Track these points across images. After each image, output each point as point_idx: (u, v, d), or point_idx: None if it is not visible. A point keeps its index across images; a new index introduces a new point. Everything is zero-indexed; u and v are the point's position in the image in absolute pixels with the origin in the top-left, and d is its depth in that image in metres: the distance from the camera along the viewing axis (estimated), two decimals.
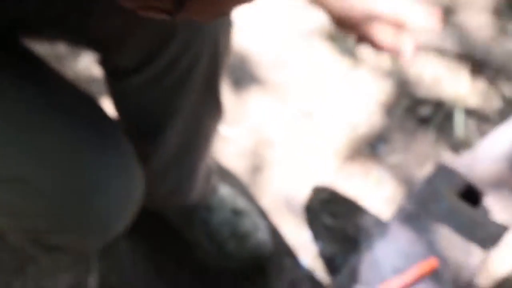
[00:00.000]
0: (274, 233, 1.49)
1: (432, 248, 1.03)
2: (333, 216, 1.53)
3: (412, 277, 1.00)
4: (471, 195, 1.10)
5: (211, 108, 1.12)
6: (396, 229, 1.05)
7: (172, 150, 1.15)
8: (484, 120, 1.66)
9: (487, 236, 1.02)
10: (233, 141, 1.64)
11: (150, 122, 1.10)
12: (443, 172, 1.11)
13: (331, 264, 1.45)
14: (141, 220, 1.43)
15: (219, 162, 1.59)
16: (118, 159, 0.82)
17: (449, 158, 1.14)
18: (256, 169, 1.59)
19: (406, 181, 1.57)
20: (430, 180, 1.10)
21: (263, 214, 1.52)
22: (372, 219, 1.46)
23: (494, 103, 1.69)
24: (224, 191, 1.43)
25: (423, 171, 1.55)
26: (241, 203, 1.44)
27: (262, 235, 1.41)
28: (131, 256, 1.44)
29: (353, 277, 1.00)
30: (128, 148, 0.87)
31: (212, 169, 1.33)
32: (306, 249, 1.47)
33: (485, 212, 1.07)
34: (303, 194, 1.55)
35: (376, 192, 1.56)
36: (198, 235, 1.37)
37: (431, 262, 1.02)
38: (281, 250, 1.47)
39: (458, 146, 1.59)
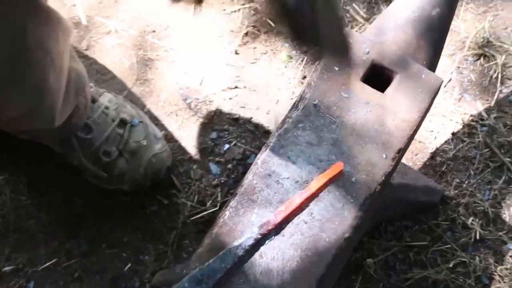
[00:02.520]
0: (174, 140, 1.39)
1: (336, 150, 0.94)
2: (241, 110, 1.43)
3: (318, 186, 0.92)
4: (375, 76, 1.00)
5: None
6: (293, 132, 0.96)
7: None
8: None
9: (395, 129, 0.93)
10: (115, 33, 1.48)
11: None
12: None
13: (243, 163, 1.37)
14: (23, 150, 1.31)
15: (99, 62, 1.45)
16: None
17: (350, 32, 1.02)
18: (145, 64, 1.46)
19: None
20: (328, 64, 0.99)
21: (158, 119, 1.41)
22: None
23: None
24: (105, 100, 1.30)
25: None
26: (129, 111, 1.32)
27: (159, 146, 1.31)
28: (16, 188, 1.35)
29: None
30: None
31: (81, 82, 1.19)
32: (213, 152, 1.38)
33: (392, 98, 0.97)
34: (205, 86, 1.43)
35: (284, 73, 1.45)
36: (82, 159, 1.26)
37: (337, 167, 0.94)
38: (185, 158, 1.38)
39: None
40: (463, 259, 1.26)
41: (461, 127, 1.39)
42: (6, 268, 1.29)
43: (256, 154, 1.32)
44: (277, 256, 0.91)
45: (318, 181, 0.93)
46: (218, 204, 1.32)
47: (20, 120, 1.09)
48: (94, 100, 1.25)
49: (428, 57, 1.05)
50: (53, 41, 0.96)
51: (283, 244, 0.91)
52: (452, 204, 1.31)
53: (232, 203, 0.94)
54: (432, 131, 1.39)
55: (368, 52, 1.01)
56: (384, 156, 0.96)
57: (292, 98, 1.41)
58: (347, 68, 1.00)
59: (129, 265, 1.29)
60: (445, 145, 1.37)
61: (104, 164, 1.25)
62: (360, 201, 0.93)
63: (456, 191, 1.33)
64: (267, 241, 0.91)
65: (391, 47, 1.03)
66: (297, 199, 0.92)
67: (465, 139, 1.38)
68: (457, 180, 1.35)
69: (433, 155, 1.37)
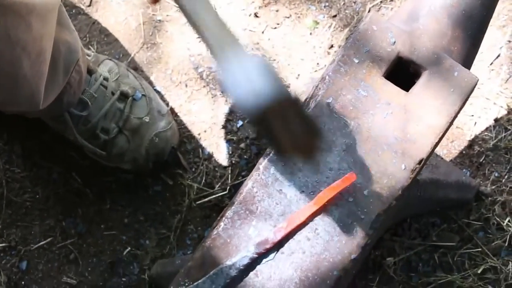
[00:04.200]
0: (182, 113, 1.34)
1: (349, 158, 0.88)
2: None
3: (326, 200, 0.87)
4: (400, 72, 0.92)
5: None
6: None
7: None
8: None
9: (418, 136, 0.86)
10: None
11: None
12: (363, 40, 0.92)
13: (257, 143, 1.32)
14: (18, 120, 1.29)
15: (102, 22, 1.39)
16: None
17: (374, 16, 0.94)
18: (153, 26, 1.39)
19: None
20: (347, 55, 0.91)
21: (165, 90, 1.35)
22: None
23: None
24: (105, 69, 1.25)
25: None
26: (131, 82, 1.27)
27: (163, 123, 1.26)
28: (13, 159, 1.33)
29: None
30: None
31: (73, 57, 1.13)
32: (225, 129, 1.33)
33: (417, 98, 0.89)
34: None
35: (309, 41, 1.38)
36: (77, 136, 1.22)
37: (348, 178, 0.88)
38: (193, 134, 1.33)
39: None
40: (493, 265, 1.21)
41: (505, 112, 1.30)
42: None
43: None
44: (274, 275, 0.87)
45: (326, 193, 0.88)
46: (228, 187, 1.29)
47: (1, 105, 1.05)
48: (91, 72, 1.20)
49: (463, 51, 0.96)
50: (22, 31, 0.92)
51: (281, 263, 0.87)
52: (487, 201, 1.25)
53: (228, 213, 0.89)
54: (472, 115, 1.31)
55: (394, 42, 0.93)
56: (403, 167, 0.89)
57: (316, 71, 1.34)
58: (368, 61, 0.93)
59: (128, 249, 1.27)
60: (486, 133, 1.30)
61: (102, 142, 1.22)
62: (371, 218, 0.88)
63: (493, 187, 1.26)
64: (264, 260, 0.87)
65: (421, 37, 0.95)
66: (300, 215, 0.87)
67: (509, 127, 1.30)
68: (496, 174, 1.28)
69: (471, 144, 1.30)
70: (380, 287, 1.22)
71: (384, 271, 1.22)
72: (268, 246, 0.86)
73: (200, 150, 1.31)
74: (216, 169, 1.30)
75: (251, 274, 0.87)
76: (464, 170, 1.28)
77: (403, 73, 0.94)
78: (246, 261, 0.86)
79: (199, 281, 0.86)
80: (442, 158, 1.24)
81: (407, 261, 1.23)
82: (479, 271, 1.21)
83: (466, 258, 1.22)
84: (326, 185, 0.89)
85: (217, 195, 1.28)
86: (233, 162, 1.30)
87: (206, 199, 1.28)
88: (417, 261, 1.23)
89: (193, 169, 1.30)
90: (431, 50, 0.93)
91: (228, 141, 1.32)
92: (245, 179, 1.27)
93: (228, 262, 0.86)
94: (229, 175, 1.29)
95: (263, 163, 0.91)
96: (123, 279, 1.26)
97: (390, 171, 0.89)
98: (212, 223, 1.26)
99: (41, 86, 1.02)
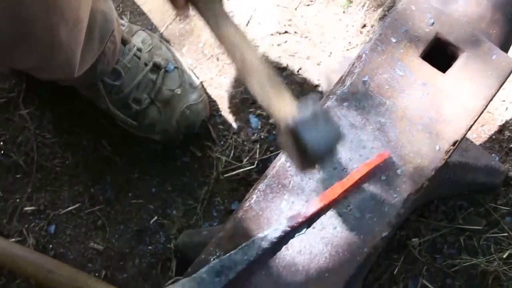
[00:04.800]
0: (213, 87, 1.35)
1: (383, 137, 0.88)
2: (289, 58, 1.36)
3: (359, 177, 0.88)
4: (437, 53, 0.92)
5: None
6: (337, 111, 0.90)
7: None
8: None
9: (453, 118, 0.86)
10: None
11: None
12: (401, 19, 0.92)
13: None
14: (50, 86, 1.30)
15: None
16: None
17: None
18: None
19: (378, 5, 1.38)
20: (384, 34, 0.91)
21: (197, 63, 1.36)
22: (334, 65, 1.29)
23: None
24: (138, 40, 1.26)
25: None
26: (164, 54, 1.28)
27: (194, 96, 1.27)
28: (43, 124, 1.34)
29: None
30: None
31: (108, 26, 1.14)
32: (254, 104, 1.34)
33: (454, 80, 0.90)
34: (252, 28, 1.38)
35: (342, 19, 1.38)
36: (109, 105, 1.23)
37: (382, 156, 0.88)
38: (223, 107, 1.34)
39: None
40: None
41: None
42: (27, 208, 1.31)
43: None
44: (304, 249, 0.88)
45: (360, 171, 0.89)
46: (256, 161, 1.29)
47: (36, 71, 1.07)
48: (125, 42, 1.21)
49: (503, 34, 0.96)
50: None
51: (312, 237, 0.88)
52: None
53: (261, 186, 0.90)
54: (504, 100, 1.31)
55: (433, 23, 0.94)
56: (437, 148, 0.90)
57: (348, 50, 1.35)
58: (405, 41, 0.93)
59: (155, 218, 1.29)
60: None
61: (134, 112, 1.23)
62: (403, 197, 0.89)
63: None
64: (296, 235, 0.88)
65: (460, 19, 0.95)
66: (334, 191, 0.88)
67: None
68: None
69: (501, 129, 1.29)
70: (404, 267, 1.23)
71: (409, 252, 1.23)
72: (300, 220, 0.87)
73: (230, 124, 1.32)
74: (245, 143, 1.31)
75: (282, 247, 0.88)
76: (493, 155, 1.28)
77: (440, 54, 0.94)
78: (278, 234, 0.87)
79: (232, 252, 0.87)
80: (472, 142, 1.24)
81: (432, 243, 1.24)
82: (504, 256, 1.21)
83: (492, 242, 1.23)
84: (359, 163, 0.90)
85: (244, 169, 1.29)
86: (262, 137, 1.31)
87: (234, 173, 1.29)
88: (442, 243, 1.24)
89: (222, 142, 1.31)
90: (470, 32, 0.93)
91: (257, 116, 1.32)
92: (273, 154, 1.28)
93: (260, 235, 0.87)
94: (258, 150, 1.30)
95: None
96: (149, 247, 1.27)
97: (424, 151, 0.90)
98: (239, 197, 1.27)
99: (77, 54, 1.03)
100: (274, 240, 0.87)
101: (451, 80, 0.92)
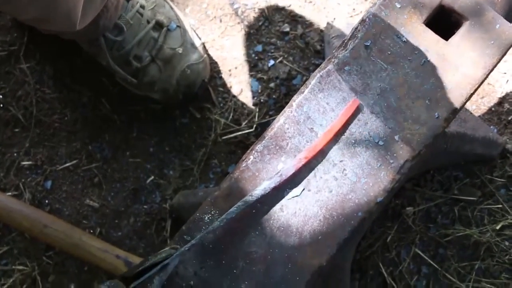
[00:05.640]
0: (215, 48, 1.35)
1: (382, 102, 0.88)
2: (292, 23, 1.36)
3: (338, 126, 0.87)
4: (441, 20, 0.92)
5: None
6: (337, 75, 0.90)
7: None
8: None
9: (454, 85, 0.86)
10: None
11: None
12: None
13: (287, 84, 1.32)
14: (51, 41, 1.29)
15: None
16: None
17: None
18: None
19: None
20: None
21: (199, 23, 1.35)
22: (337, 31, 1.29)
23: None
24: None
25: None
26: (167, 12, 1.27)
27: (195, 56, 1.27)
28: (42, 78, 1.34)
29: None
30: None
31: None
32: (256, 68, 1.33)
33: (456, 48, 0.89)
34: None
35: None
36: (110, 61, 1.23)
37: (352, 105, 0.87)
38: (224, 70, 1.34)
39: None
40: None
41: None
42: (25, 163, 1.31)
43: (303, 75, 1.27)
44: (299, 211, 0.89)
45: (337, 122, 0.89)
46: (254, 125, 1.29)
47: (37, 22, 1.06)
48: None
49: (507, 4, 0.96)
50: None
51: (307, 200, 0.89)
52: None
53: (258, 147, 0.91)
54: (505, 73, 1.31)
55: None
56: (436, 116, 0.90)
57: (352, 16, 1.34)
58: (409, 7, 0.93)
59: (151, 177, 1.29)
60: None
61: (134, 69, 1.23)
62: (400, 163, 0.89)
63: None
64: (290, 195, 0.89)
65: None
66: (314, 146, 0.88)
67: None
68: None
69: (501, 101, 1.29)
70: (397, 235, 1.23)
71: (403, 220, 1.24)
72: (286, 177, 0.87)
73: (230, 86, 1.32)
74: (244, 106, 1.31)
75: (277, 208, 0.89)
76: (491, 126, 1.28)
77: (444, 21, 0.94)
78: (262, 192, 0.87)
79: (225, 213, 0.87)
80: (471, 113, 1.24)
81: (426, 212, 1.24)
82: (497, 227, 1.22)
83: (486, 213, 1.23)
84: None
85: (243, 132, 1.29)
86: (262, 101, 1.31)
87: (232, 135, 1.29)
88: (437, 213, 1.24)
89: (221, 105, 1.31)
90: (474, 1, 0.92)
91: (258, 79, 1.32)
92: (272, 119, 1.28)
93: (252, 193, 0.87)
94: (257, 114, 1.30)
95: (296, 100, 0.91)
96: (145, 206, 1.28)
97: (422, 118, 0.90)
98: (236, 160, 1.28)
99: (79, 5, 1.02)
100: (262, 198, 0.87)
101: (453, 48, 0.92)
